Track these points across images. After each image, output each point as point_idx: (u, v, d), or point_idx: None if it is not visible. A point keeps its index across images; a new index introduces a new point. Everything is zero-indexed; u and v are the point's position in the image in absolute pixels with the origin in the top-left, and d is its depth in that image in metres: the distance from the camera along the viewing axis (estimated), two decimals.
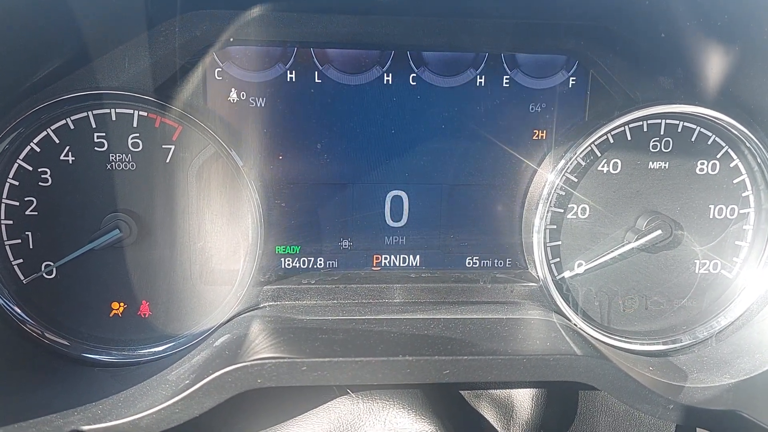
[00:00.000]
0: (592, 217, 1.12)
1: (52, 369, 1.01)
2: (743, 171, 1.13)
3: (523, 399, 1.07)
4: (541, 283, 1.12)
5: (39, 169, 1.00)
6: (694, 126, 1.10)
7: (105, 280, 1.05)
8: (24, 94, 0.97)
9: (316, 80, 1.07)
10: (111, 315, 1.06)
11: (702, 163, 1.12)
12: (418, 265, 1.16)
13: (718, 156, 1.12)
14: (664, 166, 1.11)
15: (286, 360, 0.84)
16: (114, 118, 1.01)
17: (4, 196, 1.00)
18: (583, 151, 1.08)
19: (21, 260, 1.03)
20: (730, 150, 1.12)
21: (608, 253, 1.12)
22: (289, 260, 1.13)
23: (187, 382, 0.85)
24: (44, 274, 1.03)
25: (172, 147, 1.03)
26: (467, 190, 1.13)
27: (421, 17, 1.03)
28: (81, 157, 1.01)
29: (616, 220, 1.13)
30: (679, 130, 1.10)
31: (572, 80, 1.10)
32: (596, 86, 1.10)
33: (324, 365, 0.84)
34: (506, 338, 0.95)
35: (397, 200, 1.13)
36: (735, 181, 1.13)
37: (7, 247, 1.02)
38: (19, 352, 1.02)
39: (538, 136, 1.12)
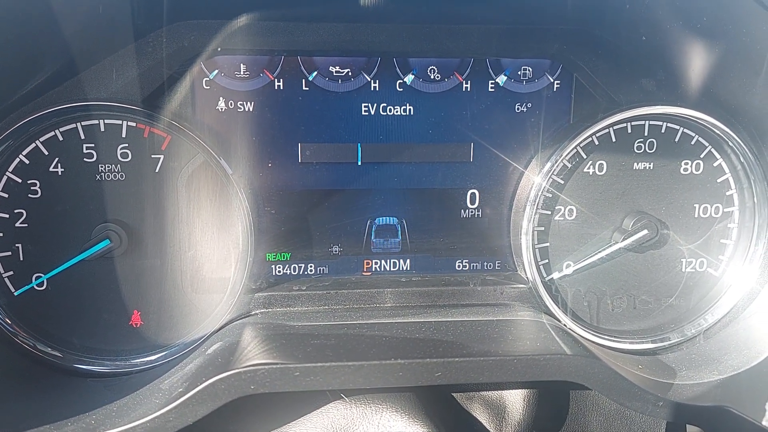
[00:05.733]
0: (579, 218, 1.14)
1: (45, 380, 1.00)
2: (726, 170, 1.14)
3: (515, 400, 1.08)
4: (530, 284, 1.13)
5: (28, 181, 1.00)
6: (677, 127, 1.12)
7: (96, 290, 1.05)
8: (12, 107, 0.97)
9: (304, 88, 1.08)
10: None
11: (686, 163, 1.13)
12: (408, 269, 1.17)
13: (701, 156, 1.13)
14: (649, 167, 1.12)
15: (278, 366, 0.84)
16: (103, 129, 1.01)
17: None
18: (568, 153, 1.10)
19: (11, 272, 1.02)
20: (713, 150, 1.13)
21: (596, 254, 1.13)
22: (279, 267, 1.13)
23: (181, 390, 0.85)
24: (35, 286, 1.03)
25: (162, 156, 1.03)
26: (455, 193, 1.14)
27: (406, 24, 1.04)
28: (70, 169, 1.01)
29: (603, 221, 1.14)
30: (663, 131, 1.12)
31: (557, 84, 1.12)
32: (580, 89, 1.11)
33: (317, 370, 0.85)
34: (497, 339, 0.95)
35: (386, 205, 1.14)
36: (719, 180, 1.14)
37: None
38: (11, 364, 1.01)
39: (524, 139, 1.13)
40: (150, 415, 0.83)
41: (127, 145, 1.02)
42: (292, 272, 1.14)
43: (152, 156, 1.03)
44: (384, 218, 1.15)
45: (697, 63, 1.04)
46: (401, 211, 1.15)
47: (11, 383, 0.98)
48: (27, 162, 1.00)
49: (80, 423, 0.85)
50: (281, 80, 1.07)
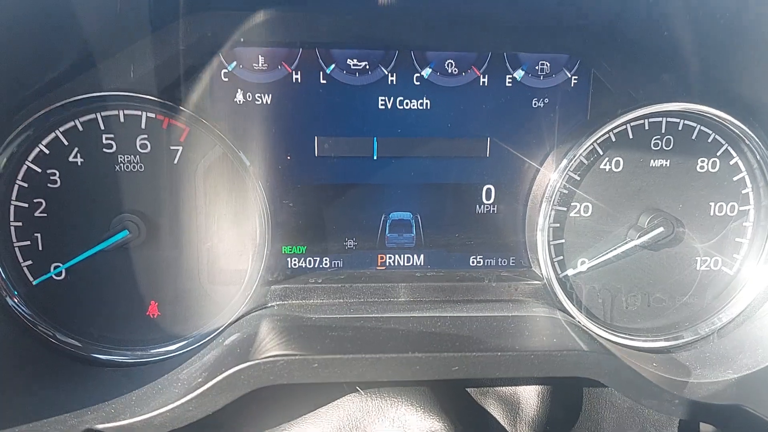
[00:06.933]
0: (594, 215, 1.14)
1: (64, 370, 1.01)
2: (743, 168, 1.14)
3: (529, 396, 1.08)
4: (545, 281, 1.13)
5: (48, 171, 1.01)
6: (694, 124, 1.12)
7: (114, 280, 1.05)
8: (32, 97, 0.98)
9: (321, 81, 1.08)
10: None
11: (702, 161, 1.13)
12: (422, 264, 1.17)
13: (718, 154, 1.13)
14: (666, 164, 1.12)
15: (298, 357, 0.85)
16: (122, 120, 1.02)
17: (14, 198, 1.01)
18: (585, 149, 1.09)
19: (30, 262, 1.03)
20: (729, 148, 1.13)
21: (611, 251, 1.13)
22: (295, 260, 1.13)
23: (200, 380, 0.85)
24: (53, 276, 1.04)
25: (180, 148, 1.04)
26: (471, 189, 1.14)
27: (425, 18, 1.04)
28: (89, 159, 1.02)
29: (619, 217, 1.14)
30: (680, 128, 1.11)
31: (574, 79, 1.11)
32: (598, 85, 1.11)
33: (335, 362, 0.85)
34: (513, 335, 0.96)
35: (401, 200, 1.14)
36: (735, 179, 1.14)
37: (17, 249, 1.02)
38: (31, 353, 1.02)
39: (540, 134, 1.13)
40: (170, 404, 0.84)
41: (146, 136, 1.03)
42: (308, 265, 1.14)
43: (171, 147, 1.03)
44: (399, 213, 1.15)
45: (715, 60, 1.04)
46: (416, 206, 1.15)
47: (31, 372, 0.98)
48: (47, 152, 1.01)
49: (100, 411, 0.86)
50: (299, 73, 1.07)
